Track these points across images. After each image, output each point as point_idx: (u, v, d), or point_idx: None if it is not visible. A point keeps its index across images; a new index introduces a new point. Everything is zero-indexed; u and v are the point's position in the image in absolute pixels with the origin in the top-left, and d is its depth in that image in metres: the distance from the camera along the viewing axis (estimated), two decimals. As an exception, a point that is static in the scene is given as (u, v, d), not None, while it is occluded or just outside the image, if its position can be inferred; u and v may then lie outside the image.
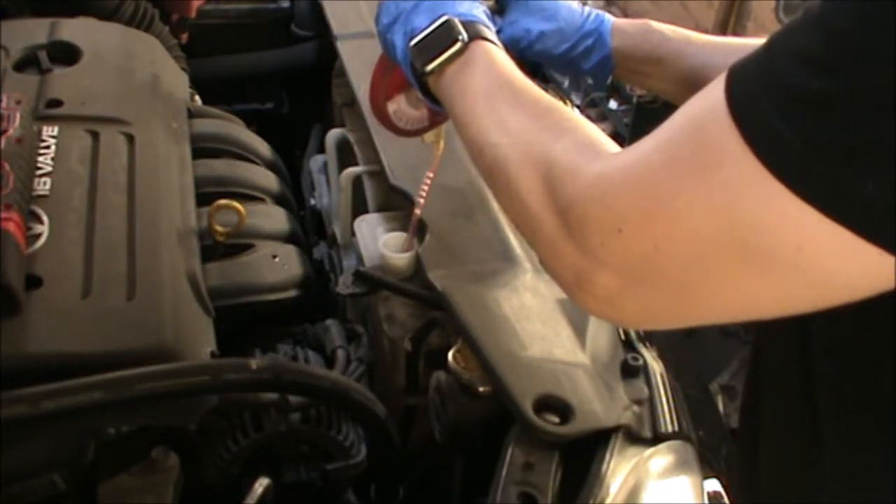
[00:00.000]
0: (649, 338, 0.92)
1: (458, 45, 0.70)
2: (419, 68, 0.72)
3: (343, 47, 1.40)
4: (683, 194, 0.47)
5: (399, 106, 0.88)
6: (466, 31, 0.70)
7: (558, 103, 0.64)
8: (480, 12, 0.74)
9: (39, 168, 0.93)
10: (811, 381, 0.59)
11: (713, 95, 0.46)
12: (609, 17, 0.86)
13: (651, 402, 0.82)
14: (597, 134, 0.59)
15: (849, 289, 0.45)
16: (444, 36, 0.71)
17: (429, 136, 0.94)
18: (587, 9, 0.86)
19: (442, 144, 0.95)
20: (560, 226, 0.55)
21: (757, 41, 0.79)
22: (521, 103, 0.65)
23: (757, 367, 0.68)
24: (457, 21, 0.70)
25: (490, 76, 0.68)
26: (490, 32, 0.72)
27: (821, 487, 0.60)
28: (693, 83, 0.81)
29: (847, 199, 0.41)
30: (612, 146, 0.57)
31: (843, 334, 0.55)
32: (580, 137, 0.59)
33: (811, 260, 0.43)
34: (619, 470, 0.75)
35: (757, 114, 0.43)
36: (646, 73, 0.86)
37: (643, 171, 0.50)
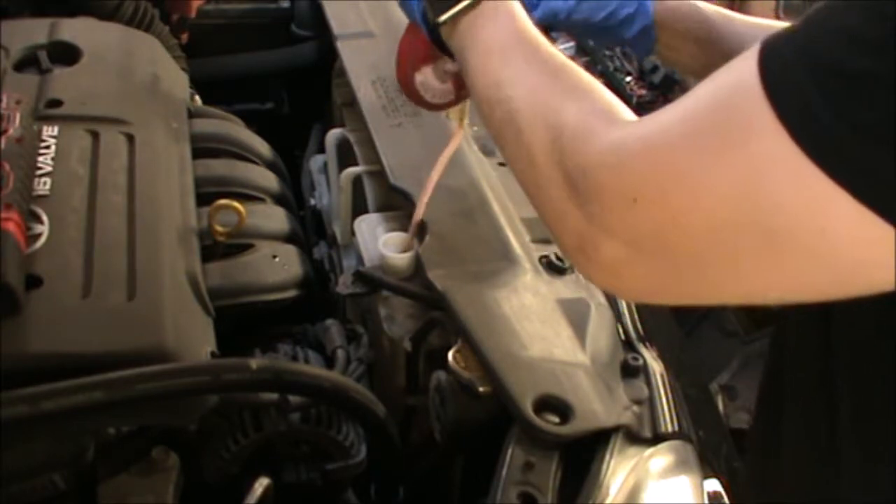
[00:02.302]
0: (649, 338, 0.92)
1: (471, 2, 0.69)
2: (432, 19, 0.72)
3: (343, 47, 1.40)
4: (706, 168, 0.45)
5: (426, 78, 0.87)
6: None
7: (573, 63, 0.62)
8: None
9: (39, 168, 0.93)
10: (831, 383, 0.58)
11: (744, 68, 0.44)
12: None
13: (651, 402, 0.82)
14: (612, 98, 0.58)
15: (868, 279, 0.44)
16: None
17: (453, 113, 0.93)
18: None
19: (465, 122, 0.94)
20: (569, 190, 0.54)
21: None
22: (536, 59, 0.63)
23: (778, 369, 0.68)
24: None
25: (505, 29, 0.67)
26: None
27: (840, 487, 0.60)
28: None
29: (881, 185, 0.40)
30: (628, 113, 0.56)
31: (864, 337, 0.54)
32: (596, 101, 0.57)
33: (835, 245, 0.42)
34: (619, 470, 0.75)
35: (793, 90, 0.42)
36: (680, 51, 0.85)
37: (663, 141, 0.48)
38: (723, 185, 0.45)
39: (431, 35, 0.75)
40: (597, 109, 0.56)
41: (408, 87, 0.88)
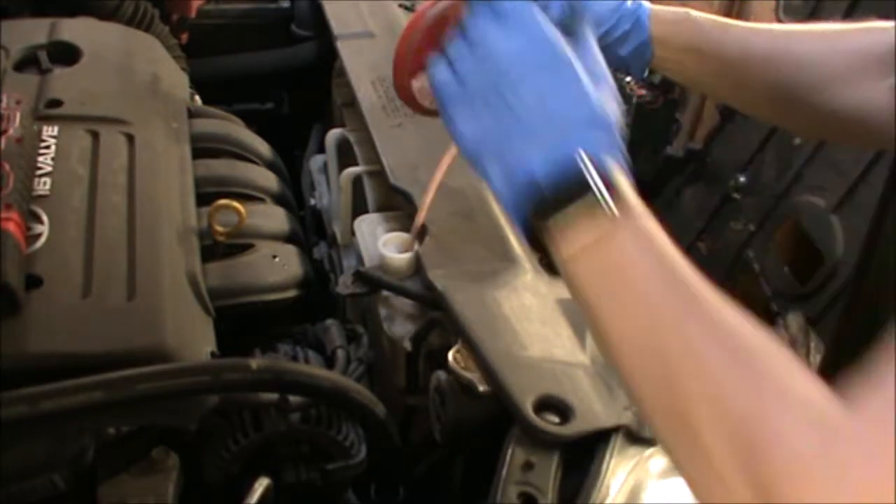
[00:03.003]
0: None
1: (589, 197, 0.51)
2: (530, 213, 0.54)
3: (343, 47, 1.40)
4: None
5: (424, 83, 0.85)
6: (608, 191, 0.51)
7: (753, 324, 0.48)
8: (618, 138, 0.55)
9: (39, 168, 0.94)
10: None
11: None
12: (646, 4, 0.82)
13: (651, 402, 0.82)
14: (815, 382, 0.46)
15: None
16: (569, 182, 0.52)
17: None
18: None
19: None
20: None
21: (797, 26, 0.77)
22: (701, 316, 0.48)
23: None
24: (588, 162, 0.52)
25: (648, 261, 0.51)
26: (624, 176, 0.54)
27: None
28: (731, 74, 0.79)
29: None
30: (833, 403, 0.45)
31: None
32: (800, 396, 0.45)
33: None
34: (619, 470, 0.75)
35: None
36: (683, 63, 0.83)
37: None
38: None
39: (524, 229, 0.56)
40: (803, 412, 0.45)
41: (405, 94, 0.86)
